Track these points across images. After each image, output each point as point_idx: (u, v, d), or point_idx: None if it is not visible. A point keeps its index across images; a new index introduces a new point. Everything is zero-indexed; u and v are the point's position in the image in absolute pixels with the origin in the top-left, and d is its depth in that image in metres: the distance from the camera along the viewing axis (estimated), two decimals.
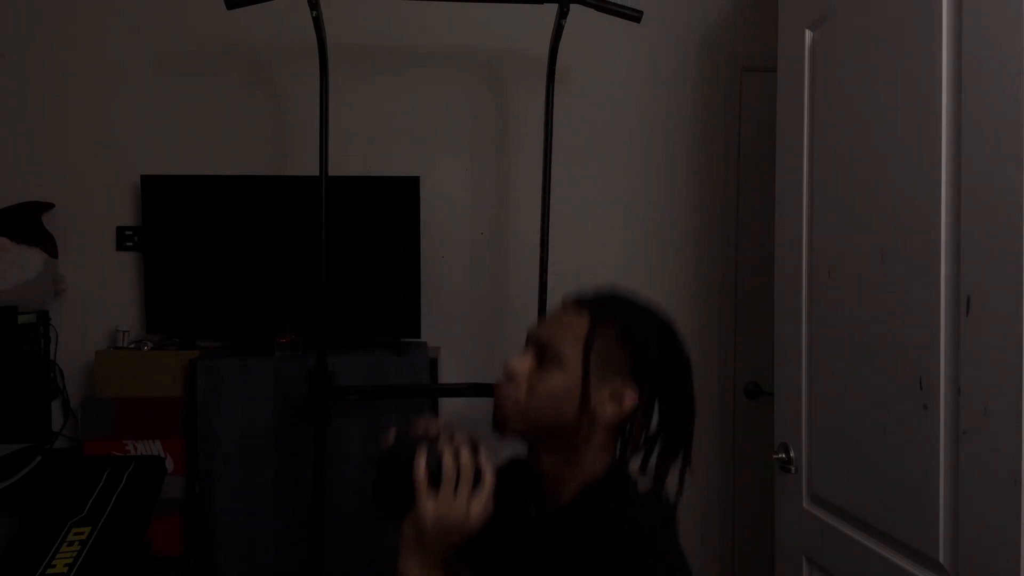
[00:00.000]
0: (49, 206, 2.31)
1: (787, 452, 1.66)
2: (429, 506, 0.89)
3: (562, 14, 1.90)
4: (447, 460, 0.89)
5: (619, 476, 0.98)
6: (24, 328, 2.18)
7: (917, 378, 1.26)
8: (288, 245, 2.25)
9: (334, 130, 2.01)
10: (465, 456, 0.90)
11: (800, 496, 1.63)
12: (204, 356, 2.13)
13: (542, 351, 0.98)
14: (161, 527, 2.08)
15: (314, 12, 1.81)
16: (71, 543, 1.28)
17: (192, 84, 2.37)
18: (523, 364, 0.98)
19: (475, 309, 2.43)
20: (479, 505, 0.90)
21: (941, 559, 1.22)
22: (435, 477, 0.89)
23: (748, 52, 2.43)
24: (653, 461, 0.98)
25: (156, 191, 2.26)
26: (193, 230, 2.27)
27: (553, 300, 2.14)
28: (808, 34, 1.62)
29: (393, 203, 2.27)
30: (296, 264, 2.24)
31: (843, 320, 1.49)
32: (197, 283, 2.27)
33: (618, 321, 0.97)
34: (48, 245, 2.29)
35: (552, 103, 2.06)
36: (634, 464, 0.99)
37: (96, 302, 2.34)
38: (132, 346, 2.23)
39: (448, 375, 2.39)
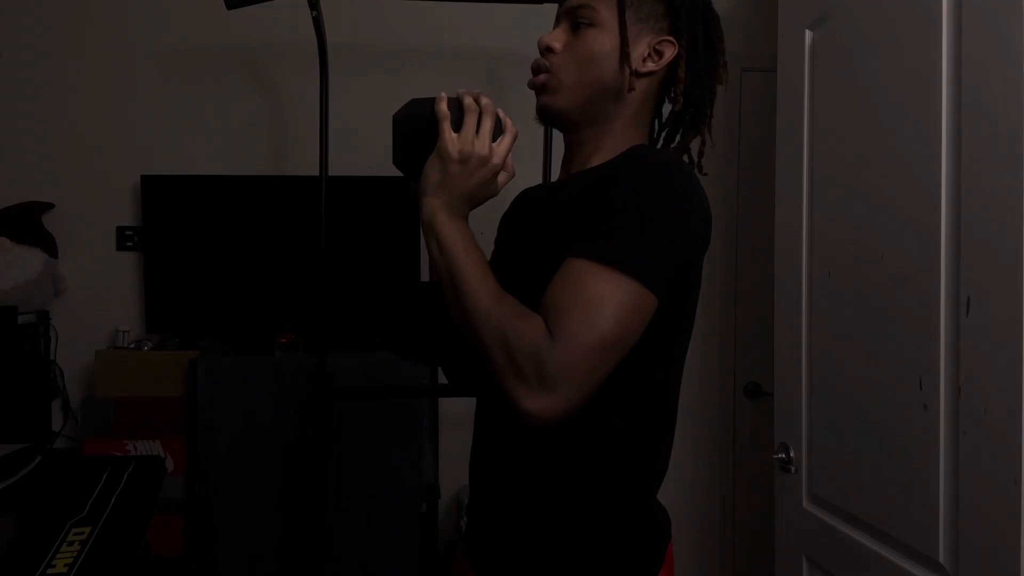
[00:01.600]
0: (49, 206, 2.31)
1: (787, 452, 1.66)
2: (453, 136, 0.86)
3: None
4: (468, 99, 0.88)
5: (652, 145, 0.98)
6: (24, 328, 2.18)
7: (917, 378, 1.26)
8: (288, 245, 2.25)
9: (334, 130, 2.01)
10: (487, 99, 0.89)
11: (800, 496, 1.63)
12: (204, 356, 2.13)
13: (575, 16, 0.96)
14: (161, 527, 2.08)
15: (314, 12, 1.82)
16: (71, 543, 1.28)
17: (192, 84, 2.37)
18: (558, 36, 0.97)
19: None
20: (502, 147, 0.88)
21: (941, 559, 1.22)
22: (456, 120, 0.87)
23: (748, 52, 2.43)
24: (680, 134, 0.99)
25: (156, 191, 2.26)
26: (193, 230, 2.27)
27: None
28: (808, 34, 1.62)
29: (393, 203, 2.27)
30: (296, 264, 2.24)
31: (843, 320, 1.49)
32: (197, 283, 2.27)
33: None
34: (48, 245, 2.29)
35: None
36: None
37: (96, 302, 2.34)
38: (132, 346, 2.23)
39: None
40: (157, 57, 2.36)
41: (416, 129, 0.89)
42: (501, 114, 0.90)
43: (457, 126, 0.87)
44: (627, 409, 0.91)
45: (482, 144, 0.87)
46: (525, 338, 0.78)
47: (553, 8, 1.92)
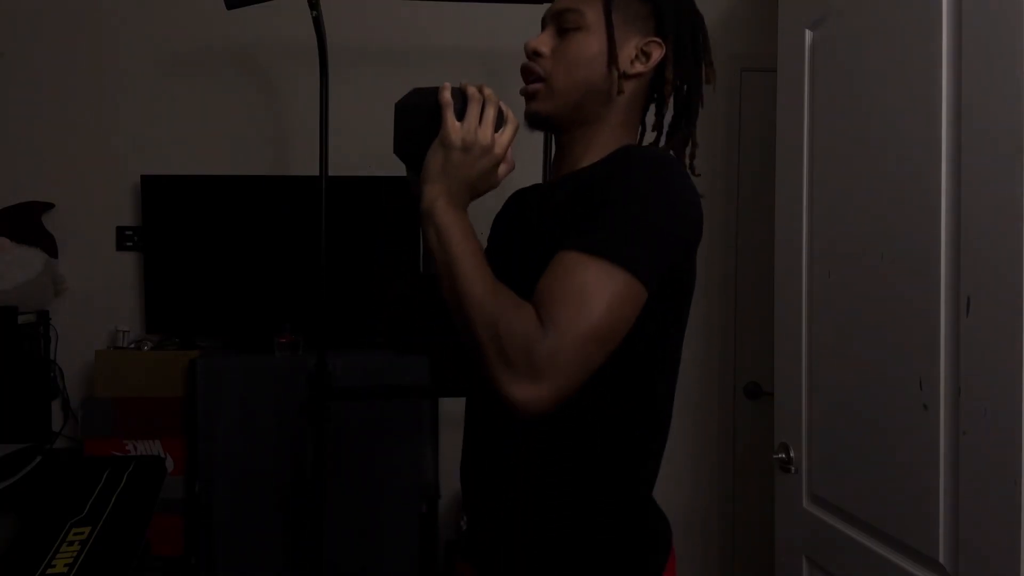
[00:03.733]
0: (49, 206, 2.31)
1: (787, 452, 1.66)
2: (456, 124, 0.86)
3: None
4: (471, 89, 0.88)
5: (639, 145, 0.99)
6: (24, 328, 2.18)
7: (917, 378, 1.26)
8: (288, 245, 2.25)
9: (334, 130, 2.01)
10: (489, 90, 0.89)
11: (800, 496, 1.63)
12: (204, 356, 2.13)
13: (562, 21, 0.97)
14: (161, 527, 2.08)
15: (314, 12, 1.81)
16: (71, 543, 1.28)
17: (192, 84, 2.36)
18: (544, 40, 0.98)
19: None
20: (504, 137, 0.89)
21: (941, 559, 1.22)
22: (460, 112, 0.87)
23: (748, 52, 2.43)
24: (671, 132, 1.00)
25: (156, 191, 2.26)
26: (193, 230, 2.27)
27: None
28: (808, 34, 1.62)
29: (393, 203, 2.27)
30: (296, 264, 2.24)
31: (843, 320, 1.49)
32: (197, 283, 2.27)
33: None
34: (48, 245, 2.29)
35: None
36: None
37: (96, 302, 2.34)
38: (132, 346, 2.23)
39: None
40: (157, 57, 2.36)
41: (419, 117, 0.89)
42: (503, 106, 0.90)
43: (460, 115, 0.87)
44: (623, 404, 0.91)
45: (485, 133, 0.87)
46: (516, 327, 0.78)
47: None
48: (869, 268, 1.40)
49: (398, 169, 2.55)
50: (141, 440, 2.12)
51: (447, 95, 0.87)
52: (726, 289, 2.46)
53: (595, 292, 0.78)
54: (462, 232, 0.85)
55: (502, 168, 0.90)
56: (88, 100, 2.35)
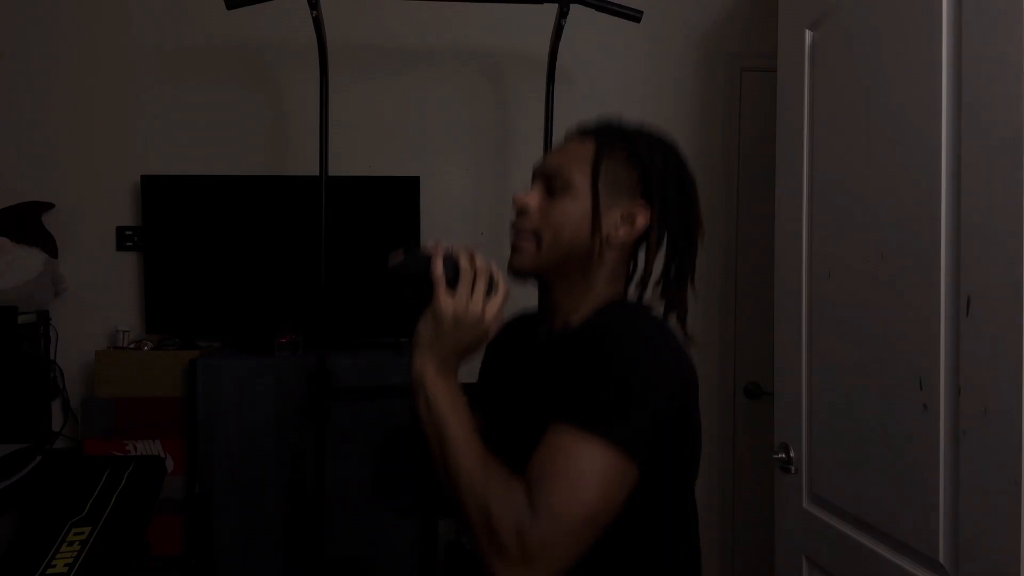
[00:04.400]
0: (49, 206, 2.31)
1: (787, 452, 1.66)
2: (447, 299, 0.88)
3: (562, 14, 1.90)
4: (463, 260, 0.90)
5: (627, 302, 1.00)
6: (24, 328, 2.18)
7: (917, 378, 1.26)
8: (288, 245, 2.25)
9: (334, 130, 2.01)
10: (480, 259, 0.91)
11: (800, 496, 1.63)
12: (204, 356, 2.13)
13: (550, 181, 0.98)
14: (161, 527, 2.08)
15: (314, 12, 1.81)
16: (71, 543, 1.28)
17: (192, 84, 2.37)
18: (533, 197, 0.99)
19: None
20: (494, 306, 0.90)
21: (941, 559, 1.22)
22: (451, 280, 0.89)
23: (748, 52, 2.43)
24: (664, 285, 1.00)
25: (156, 191, 2.26)
26: (193, 230, 2.27)
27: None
28: (808, 34, 1.62)
29: (393, 203, 2.27)
30: (296, 264, 2.24)
31: (843, 320, 1.49)
32: (197, 283, 2.27)
33: (624, 143, 0.98)
34: (48, 245, 2.29)
35: (552, 103, 2.06)
36: (646, 293, 1.01)
37: (96, 302, 2.34)
38: (132, 346, 2.23)
39: None
40: (158, 57, 2.36)
41: (411, 285, 0.91)
42: (494, 269, 0.92)
43: (452, 283, 0.89)
44: (634, 565, 0.91)
45: (476, 305, 0.89)
46: (507, 510, 0.80)
47: (553, 8, 1.92)
48: (869, 268, 1.40)
49: (398, 169, 2.57)
50: (141, 440, 2.12)
51: (439, 268, 0.89)
52: (726, 289, 2.46)
53: (587, 474, 0.80)
54: (451, 405, 0.87)
55: (493, 327, 0.92)
56: (88, 100, 2.35)
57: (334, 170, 2.01)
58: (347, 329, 2.25)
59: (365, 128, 2.39)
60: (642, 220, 0.97)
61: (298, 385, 2.03)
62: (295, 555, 2.09)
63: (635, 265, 1.03)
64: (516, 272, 1.00)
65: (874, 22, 1.40)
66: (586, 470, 0.80)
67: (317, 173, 1.96)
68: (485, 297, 0.90)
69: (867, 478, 1.41)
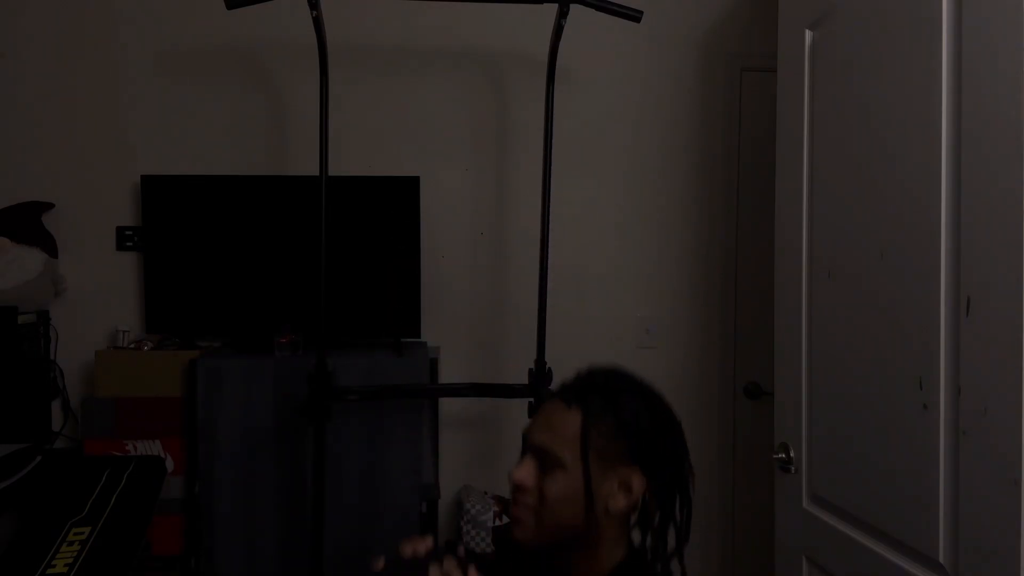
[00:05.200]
0: (49, 206, 2.31)
1: (787, 452, 1.66)
2: None
3: (562, 14, 1.90)
4: None
5: (637, 563, 1.00)
6: (24, 328, 2.18)
7: (917, 378, 1.26)
8: (288, 245, 2.25)
9: (334, 130, 2.01)
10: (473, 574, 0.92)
11: (800, 496, 1.63)
12: (204, 356, 2.13)
13: (542, 457, 0.99)
14: (161, 527, 2.08)
15: (314, 12, 1.81)
16: (71, 543, 1.28)
17: (192, 84, 2.37)
18: (527, 472, 0.99)
19: (475, 309, 2.43)
20: None
21: (941, 559, 1.22)
22: None
23: (748, 52, 2.44)
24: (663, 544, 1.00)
25: (156, 191, 2.26)
26: (193, 230, 2.27)
27: (553, 300, 2.14)
28: (808, 34, 1.62)
29: (393, 203, 2.27)
30: (296, 264, 2.24)
31: (843, 320, 1.49)
32: (197, 283, 2.27)
33: (608, 412, 0.98)
34: (48, 245, 2.29)
35: (552, 103, 2.06)
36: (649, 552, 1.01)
37: (96, 302, 2.34)
38: (132, 346, 2.23)
39: (448, 375, 2.39)
40: (157, 57, 2.36)
41: None
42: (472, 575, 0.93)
43: None
44: None
45: None
46: None
47: (553, 8, 1.92)
48: (869, 268, 1.40)
49: (398, 169, 2.57)
50: (141, 440, 2.12)
51: None
52: (726, 289, 2.46)
53: None
54: None
55: None
56: (88, 100, 2.35)
57: (334, 170, 2.01)
58: (347, 329, 2.25)
59: (365, 128, 2.39)
60: (638, 487, 0.98)
61: (298, 385, 2.03)
62: (295, 554, 2.09)
63: (640, 526, 1.03)
64: (519, 543, 1.01)
65: (874, 22, 1.40)
66: None
67: (317, 173, 1.95)
68: None
69: (867, 478, 1.41)
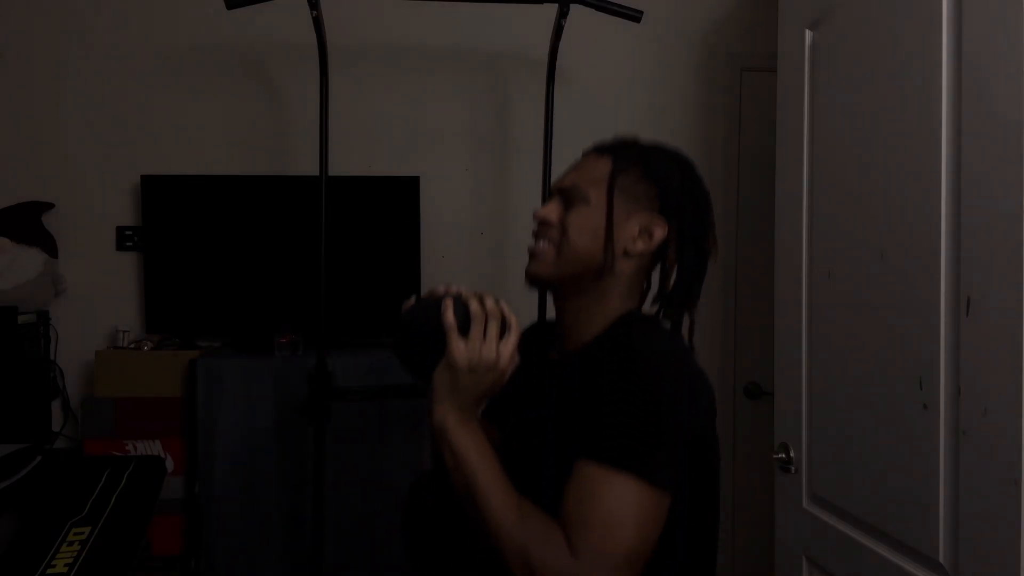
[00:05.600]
0: (49, 206, 2.31)
1: (787, 452, 1.66)
2: (461, 347, 0.89)
3: (562, 14, 1.90)
4: (474, 305, 0.90)
5: (643, 315, 1.00)
6: (24, 328, 2.18)
7: (917, 378, 1.26)
8: (288, 245, 2.25)
9: (334, 130, 2.01)
10: (491, 301, 0.91)
11: (800, 496, 1.63)
12: (204, 356, 2.13)
13: (568, 196, 0.99)
14: (161, 527, 2.08)
15: (314, 12, 1.81)
16: (71, 543, 1.28)
17: (192, 84, 2.37)
18: (551, 209, 1.00)
19: None
20: (508, 347, 0.91)
21: (941, 559, 1.22)
22: (463, 326, 0.89)
23: (748, 52, 2.43)
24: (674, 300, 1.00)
25: (156, 191, 2.26)
26: (193, 230, 2.27)
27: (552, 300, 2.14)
28: (808, 34, 1.62)
29: (393, 203, 2.27)
30: (296, 264, 2.24)
31: (843, 320, 1.49)
32: (197, 283, 2.27)
33: (640, 159, 0.99)
34: (48, 245, 2.29)
35: (552, 103, 2.06)
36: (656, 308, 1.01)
37: (96, 302, 2.34)
38: (132, 346, 2.23)
39: None
40: (157, 57, 2.36)
41: (424, 335, 0.91)
42: (506, 311, 0.93)
43: (464, 330, 0.90)
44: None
45: (489, 350, 0.90)
46: (549, 558, 0.81)
47: (553, 8, 1.93)
48: (869, 268, 1.40)
49: (398, 169, 2.56)
50: (141, 440, 2.12)
51: (450, 316, 0.89)
52: (726, 289, 2.46)
53: (623, 514, 0.81)
54: (478, 452, 0.88)
55: (509, 356, 0.92)
56: (88, 100, 2.35)
57: (334, 170, 2.01)
58: (347, 329, 2.25)
59: (365, 128, 2.39)
60: (660, 233, 0.97)
61: (298, 385, 2.03)
62: (295, 555, 2.09)
63: (649, 284, 1.03)
64: (533, 279, 1.01)
65: (874, 22, 1.40)
66: (622, 509, 0.81)
67: (317, 173, 1.96)
68: (498, 340, 0.90)
69: (867, 478, 1.41)
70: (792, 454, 1.64)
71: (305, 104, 2.28)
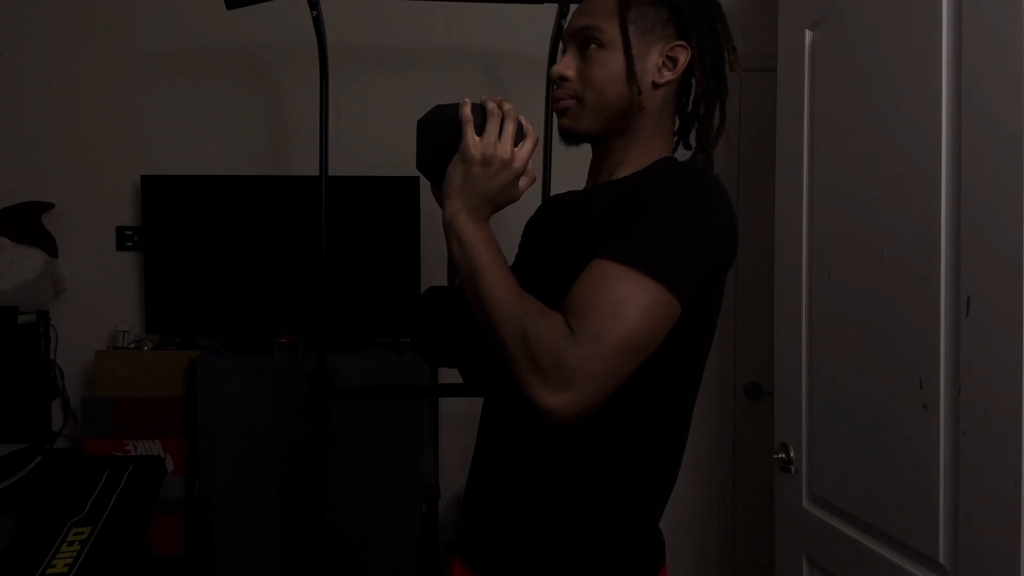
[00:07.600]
0: (49, 206, 2.31)
1: (787, 452, 1.66)
2: (475, 140, 0.87)
3: (562, 14, 1.90)
4: (491, 104, 0.88)
5: (675, 160, 0.98)
6: (24, 328, 2.18)
7: (917, 378, 1.26)
8: (288, 245, 2.25)
9: (334, 130, 2.01)
10: (509, 105, 0.89)
11: (800, 496, 1.62)
12: (204, 356, 2.13)
13: (582, 40, 0.96)
14: (161, 527, 2.08)
15: (314, 12, 1.81)
16: (71, 543, 1.28)
17: (192, 84, 2.37)
18: (567, 64, 0.97)
19: None
20: (524, 151, 0.89)
21: (941, 559, 1.22)
22: (479, 127, 0.88)
23: (748, 52, 2.42)
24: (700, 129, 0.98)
25: (156, 191, 2.26)
26: (193, 230, 2.27)
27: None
28: (808, 34, 1.62)
29: (393, 203, 2.27)
30: (296, 264, 2.24)
31: (843, 320, 1.49)
32: (197, 283, 2.27)
33: None
34: (48, 245, 2.29)
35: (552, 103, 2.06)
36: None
37: (96, 302, 2.34)
38: (132, 346, 2.23)
39: (448, 375, 2.38)
40: (157, 57, 2.36)
41: (440, 133, 0.91)
42: (523, 120, 0.90)
43: (480, 130, 0.88)
44: (640, 422, 0.91)
45: (504, 147, 0.87)
46: (545, 333, 0.77)
47: (553, 8, 1.92)
48: (869, 268, 1.40)
49: (398, 169, 2.56)
50: (141, 440, 2.12)
51: (467, 111, 0.88)
52: (726, 289, 2.45)
53: (629, 302, 0.78)
54: (484, 243, 0.86)
55: (523, 181, 0.91)
56: (88, 100, 2.35)
57: (334, 170, 2.01)
58: (347, 329, 2.25)
59: (365, 128, 2.39)
60: (683, 57, 0.95)
61: (298, 385, 2.03)
62: (295, 554, 2.09)
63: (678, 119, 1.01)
64: (567, 134, 0.99)
65: (874, 22, 1.40)
66: (628, 298, 0.78)
67: (317, 173, 1.96)
68: (513, 140, 0.88)
69: (867, 478, 1.41)
70: (792, 454, 1.64)
71: (305, 104, 2.28)
